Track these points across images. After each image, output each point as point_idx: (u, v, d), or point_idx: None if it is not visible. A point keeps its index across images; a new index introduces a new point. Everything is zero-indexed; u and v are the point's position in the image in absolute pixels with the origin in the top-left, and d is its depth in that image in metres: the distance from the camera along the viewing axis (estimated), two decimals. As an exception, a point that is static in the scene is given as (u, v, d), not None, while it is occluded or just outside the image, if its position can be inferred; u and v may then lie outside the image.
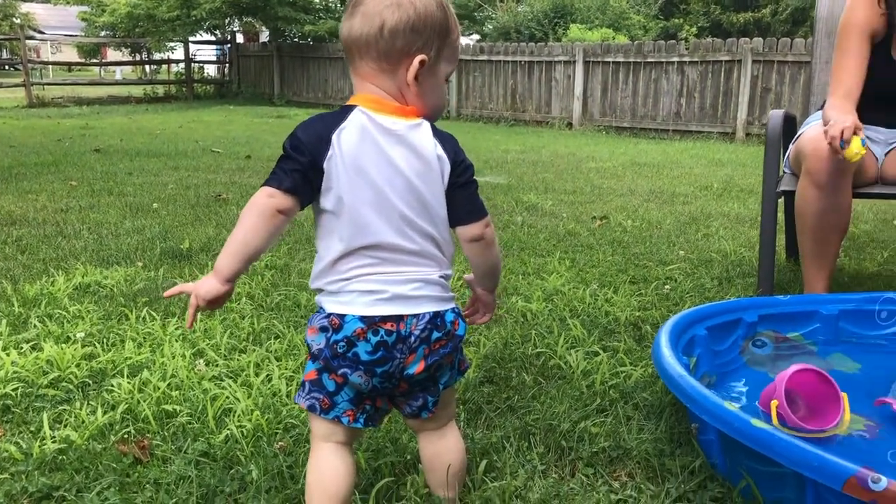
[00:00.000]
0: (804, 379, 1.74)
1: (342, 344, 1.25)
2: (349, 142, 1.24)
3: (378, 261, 1.27)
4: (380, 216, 1.26)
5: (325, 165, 1.24)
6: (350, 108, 1.28)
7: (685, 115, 10.98)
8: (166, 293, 1.31)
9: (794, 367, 1.73)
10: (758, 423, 1.38)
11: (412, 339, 1.27)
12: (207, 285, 1.25)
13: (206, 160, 7.08)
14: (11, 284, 2.89)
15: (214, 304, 1.26)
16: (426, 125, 1.31)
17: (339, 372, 1.27)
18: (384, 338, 1.25)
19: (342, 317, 1.25)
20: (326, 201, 1.26)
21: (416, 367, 1.28)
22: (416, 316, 1.27)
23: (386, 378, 1.28)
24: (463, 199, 1.34)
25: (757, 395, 1.80)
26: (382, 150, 1.26)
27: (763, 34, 16.97)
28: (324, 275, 1.29)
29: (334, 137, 1.24)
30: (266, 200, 1.23)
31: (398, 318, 1.26)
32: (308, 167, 1.24)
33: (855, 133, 2.22)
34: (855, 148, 2.20)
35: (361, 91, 1.31)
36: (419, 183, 1.28)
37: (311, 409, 1.32)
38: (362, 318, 1.25)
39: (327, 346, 1.26)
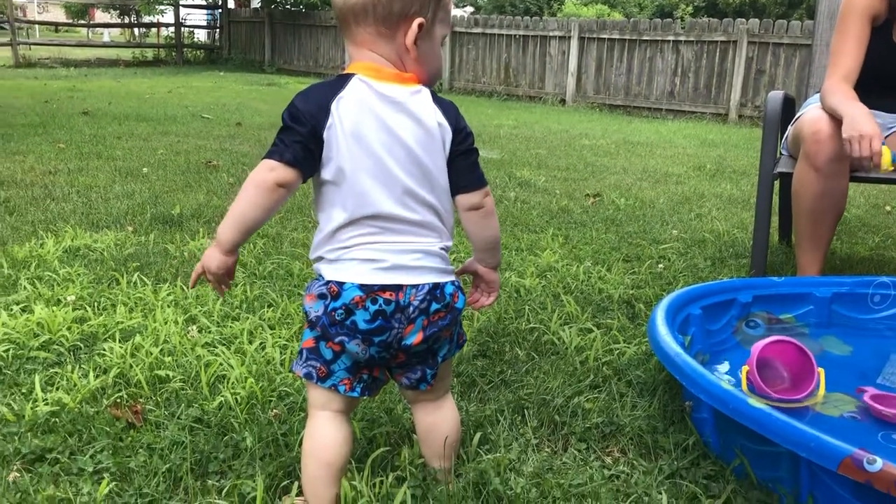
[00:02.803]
0: (785, 351, 1.77)
1: (340, 311, 1.24)
2: (348, 110, 1.22)
3: (379, 230, 1.26)
4: (381, 186, 1.24)
5: (325, 135, 1.22)
6: (348, 77, 1.25)
7: (679, 95, 10.95)
8: (191, 283, 1.34)
9: (770, 338, 1.76)
10: (754, 402, 1.38)
11: (411, 309, 1.26)
12: (214, 259, 1.28)
13: (196, 126, 7.00)
14: (0, 246, 2.86)
15: (225, 275, 1.30)
16: (426, 92, 1.29)
17: (337, 340, 1.26)
18: (382, 307, 1.24)
19: (341, 284, 1.24)
20: (326, 172, 1.24)
21: (415, 338, 1.28)
22: (415, 286, 1.26)
23: (384, 348, 1.27)
24: (464, 167, 1.32)
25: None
26: (382, 118, 1.24)
27: (758, 15, 16.93)
28: (323, 244, 1.28)
29: (333, 106, 1.22)
30: (266, 174, 1.22)
31: (397, 288, 1.25)
32: (308, 137, 1.22)
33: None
34: (885, 164, 2.20)
35: (358, 59, 1.29)
36: (420, 151, 1.26)
37: (308, 377, 1.32)
38: (361, 287, 1.23)
39: (325, 314, 1.25)
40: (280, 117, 1.24)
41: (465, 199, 1.34)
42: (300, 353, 1.33)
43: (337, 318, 1.24)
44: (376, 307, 1.24)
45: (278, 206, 1.25)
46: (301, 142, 1.22)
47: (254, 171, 1.24)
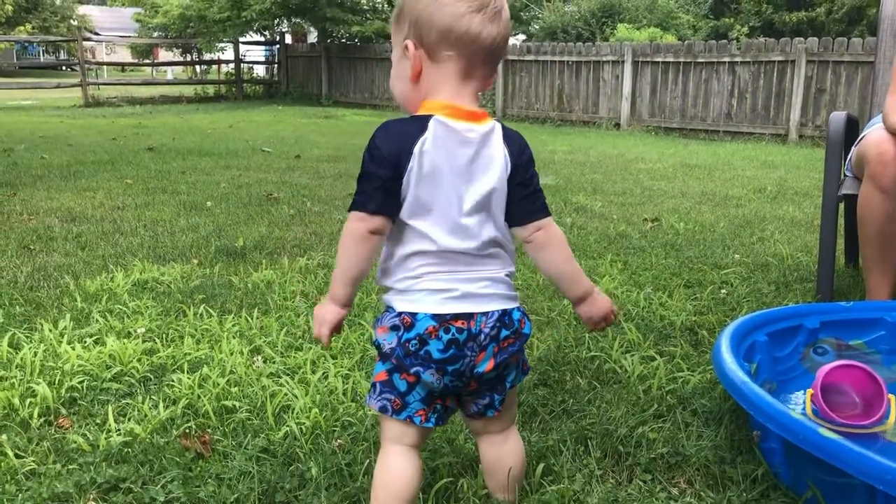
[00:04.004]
0: (853, 376, 1.73)
1: (414, 342, 1.26)
2: (428, 151, 1.25)
3: (445, 260, 1.28)
4: (447, 219, 1.27)
5: (404, 177, 1.25)
6: (426, 118, 1.27)
7: (736, 116, 10.80)
8: (325, 343, 1.35)
9: (837, 362, 1.73)
10: (826, 432, 1.35)
11: (482, 336, 1.28)
12: (332, 313, 1.32)
13: (256, 159, 7.17)
14: (73, 280, 2.97)
15: (338, 326, 1.35)
16: (498, 128, 1.33)
17: (412, 371, 1.28)
18: (455, 335, 1.26)
19: (414, 315, 1.26)
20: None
21: (486, 366, 1.29)
22: (485, 314, 1.28)
23: (457, 376, 1.29)
24: (523, 199, 1.34)
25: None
26: (454, 156, 1.27)
27: (817, 34, 16.59)
28: (392, 272, 1.31)
29: (416, 149, 1.24)
30: (357, 225, 1.27)
31: (468, 316, 1.27)
32: (389, 180, 1.25)
33: None
34: None
35: (435, 97, 1.30)
36: (485, 186, 1.29)
37: (383, 410, 1.33)
38: (434, 316, 1.26)
39: (399, 345, 1.27)
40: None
41: (521, 231, 1.36)
42: (373, 386, 1.35)
43: (411, 348, 1.27)
44: (449, 336, 1.26)
45: (376, 250, 1.30)
46: (381, 187, 1.25)
47: (346, 225, 1.28)
